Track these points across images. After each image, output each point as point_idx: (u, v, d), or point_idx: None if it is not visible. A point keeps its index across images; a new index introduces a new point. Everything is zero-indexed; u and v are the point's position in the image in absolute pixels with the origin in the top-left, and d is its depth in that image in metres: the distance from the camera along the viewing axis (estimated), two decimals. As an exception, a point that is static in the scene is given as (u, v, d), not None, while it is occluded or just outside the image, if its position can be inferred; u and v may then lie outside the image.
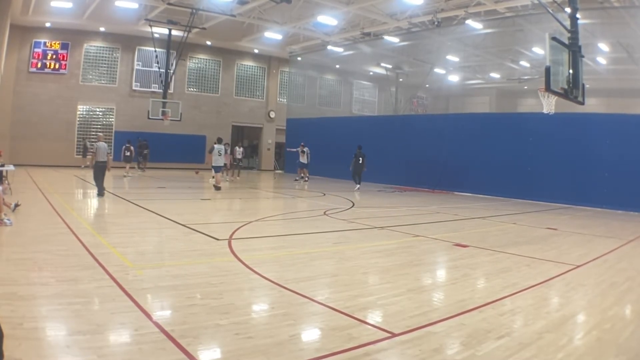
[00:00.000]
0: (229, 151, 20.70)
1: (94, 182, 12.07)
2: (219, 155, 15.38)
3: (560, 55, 8.63)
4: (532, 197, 15.93)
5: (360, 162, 17.93)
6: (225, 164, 17.14)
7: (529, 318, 4.15)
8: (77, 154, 23.54)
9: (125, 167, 19.36)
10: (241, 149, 21.67)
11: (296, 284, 4.87)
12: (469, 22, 18.62)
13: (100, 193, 11.72)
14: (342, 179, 21.69)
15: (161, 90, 22.90)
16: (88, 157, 19.49)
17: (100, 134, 14.34)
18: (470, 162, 18.03)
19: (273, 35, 23.37)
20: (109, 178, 13.76)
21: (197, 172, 22.58)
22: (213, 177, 16.00)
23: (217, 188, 15.14)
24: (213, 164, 15.39)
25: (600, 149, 14.50)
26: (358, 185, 18.01)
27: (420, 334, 3.65)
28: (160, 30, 22.12)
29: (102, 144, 11.81)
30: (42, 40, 22.32)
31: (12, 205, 8.57)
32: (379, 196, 16.17)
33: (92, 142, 15.42)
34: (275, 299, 4.47)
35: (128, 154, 19.92)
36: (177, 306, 4.09)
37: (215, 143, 15.81)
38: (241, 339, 3.41)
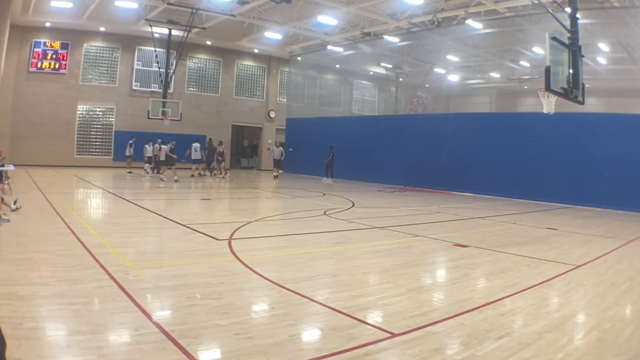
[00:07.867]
0: (225, 150, 21.83)
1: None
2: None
3: (560, 55, 8.62)
4: (532, 197, 15.92)
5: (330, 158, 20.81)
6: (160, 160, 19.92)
7: (529, 318, 4.15)
8: (80, 154, 23.58)
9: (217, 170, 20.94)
10: (197, 144, 20.44)
11: (296, 284, 4.87)
12: (469, 22, 18.62)
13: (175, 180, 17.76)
14: (342, 179, 21.73)
15: (161, 90, 22.88)
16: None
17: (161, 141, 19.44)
18: (470, 162, 18.02)
19: (273, 35, 23.38)
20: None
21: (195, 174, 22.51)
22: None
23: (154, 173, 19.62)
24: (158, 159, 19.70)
25: (600, 149, 14.49)
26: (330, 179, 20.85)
27: (420, 334, 3.65)
28: (160, 30, 22.10)
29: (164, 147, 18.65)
30: (42, 40, 22.30)
31: (12, 205, 8.56)
32: (379, 196, 16.16)
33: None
34: (275, 299, 4.47)
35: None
36: (177, 306, 4.09)
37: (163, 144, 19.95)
38: (241, 339, 3.41)
